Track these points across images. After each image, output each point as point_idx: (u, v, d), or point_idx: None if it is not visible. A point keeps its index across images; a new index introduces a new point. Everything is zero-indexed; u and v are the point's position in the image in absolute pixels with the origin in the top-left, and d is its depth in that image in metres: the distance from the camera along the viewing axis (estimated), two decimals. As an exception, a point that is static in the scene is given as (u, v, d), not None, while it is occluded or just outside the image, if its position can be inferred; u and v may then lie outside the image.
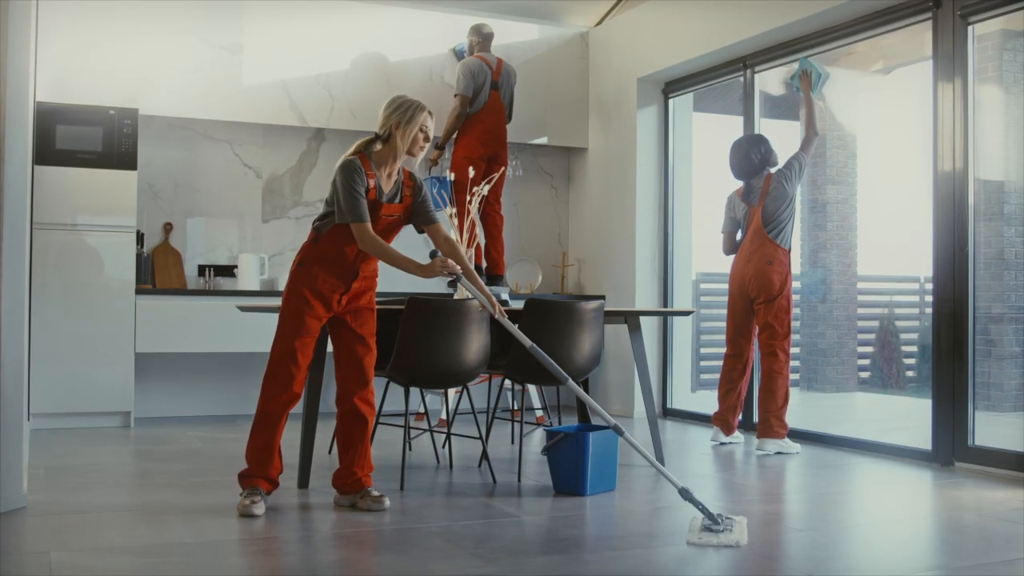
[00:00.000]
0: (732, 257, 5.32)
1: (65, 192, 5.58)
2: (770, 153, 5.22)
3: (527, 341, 3.69)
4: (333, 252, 3.53)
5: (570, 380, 3.73)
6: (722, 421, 5.26)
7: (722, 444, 5.27)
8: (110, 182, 5.67)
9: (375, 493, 3.59)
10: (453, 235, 4.23)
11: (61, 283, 5.58)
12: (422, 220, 3.67)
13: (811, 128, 5.24)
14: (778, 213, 5.10)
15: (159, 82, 6.03)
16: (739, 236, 5.32)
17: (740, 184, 5.30)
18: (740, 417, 5.39)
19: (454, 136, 6.16)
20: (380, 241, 3.48)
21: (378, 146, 3.56)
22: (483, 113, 6.10)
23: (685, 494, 3.33)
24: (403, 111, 3.53)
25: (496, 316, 3.68)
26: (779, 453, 4.98)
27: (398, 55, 6.59)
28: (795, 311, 5.45)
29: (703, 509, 3.25)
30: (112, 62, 5.92)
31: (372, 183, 3.49)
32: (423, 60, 6.60)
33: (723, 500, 3.93)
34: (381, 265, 3.66)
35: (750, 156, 5.20)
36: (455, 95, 6.14)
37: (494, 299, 3.69)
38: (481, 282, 3.67)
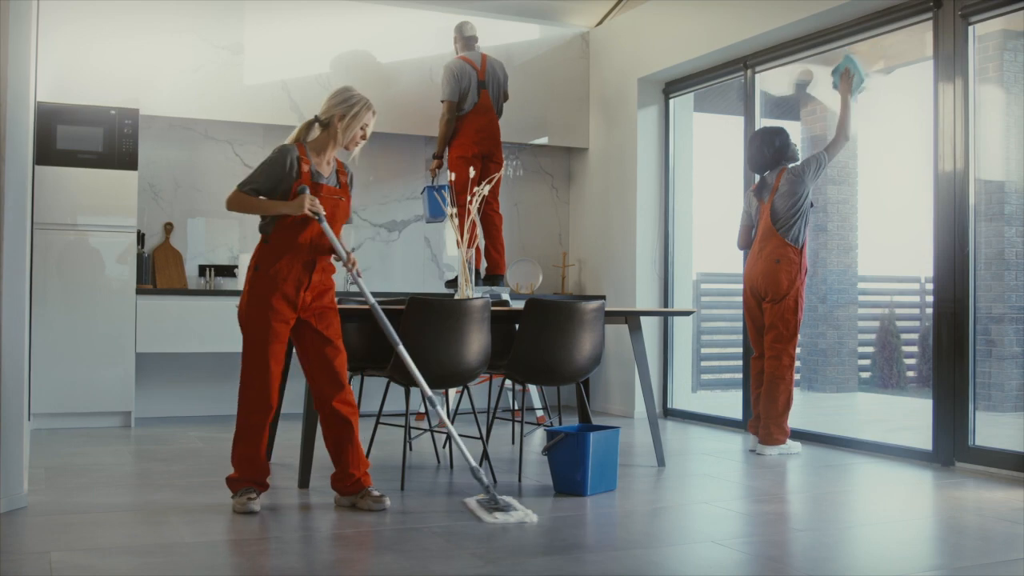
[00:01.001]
0: (746, 254, 5.23)
1: (66, 192, 5.59)
2: (786, 148, 5.10)
3: (371, 299, 3.61)
4: (287, 246, 3.51)
5: (400, 345, 3.66)
6: (755, 429, 5.10)
7: (759, 455, 5.02)
8: (111, 182, 5.67)
9: (375, 493, 3.59)
10: (454, 234, 4.22)
11: (62, 283, 5.58)
12: None
13: (843, 131, 5.06)
14: (787, 210, 4.98)
15: (160, 82, 6.03)
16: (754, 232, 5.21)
17: (757, 178, 5.21)
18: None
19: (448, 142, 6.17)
20: (245, 198, 3.50)
21: (316, 132, 3.59)
22: (473, 113, 6.09)
23: (475, 472, 3.55)
24: (348, 105, 3.56)
25: (351, 273, 3.59)
26: (780, 455, 4.96)
27: (398, 55, 6.59)
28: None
29: (486, 488, 3.51)
30: (113, 62, 5.92)
31: (307, 168, 3.53)
32: (423, 60, 6.60)
33: (724, 500, 3.93)
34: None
35: (763, 150, 5.11)
36: (441, 101, 6.15)
37: (352, 255, 3.59)
38: (333, 235, 3.54)
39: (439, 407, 3.72)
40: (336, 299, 3.69)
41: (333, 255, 3.60)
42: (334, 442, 3.63)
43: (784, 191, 5.00)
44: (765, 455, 4.95)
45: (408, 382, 4.04)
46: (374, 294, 3.99)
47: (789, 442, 5.00)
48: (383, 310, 3.72)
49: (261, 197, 3.52)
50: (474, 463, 3.59)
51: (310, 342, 3.58)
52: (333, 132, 3.56)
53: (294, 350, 3.72)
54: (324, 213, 3.48)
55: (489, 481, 3.57)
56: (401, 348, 3.68)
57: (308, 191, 3.48)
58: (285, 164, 3.50)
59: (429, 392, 3.70)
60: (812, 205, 5.07)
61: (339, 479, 3.64)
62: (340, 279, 6.65)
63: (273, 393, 3.54)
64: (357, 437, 3.65)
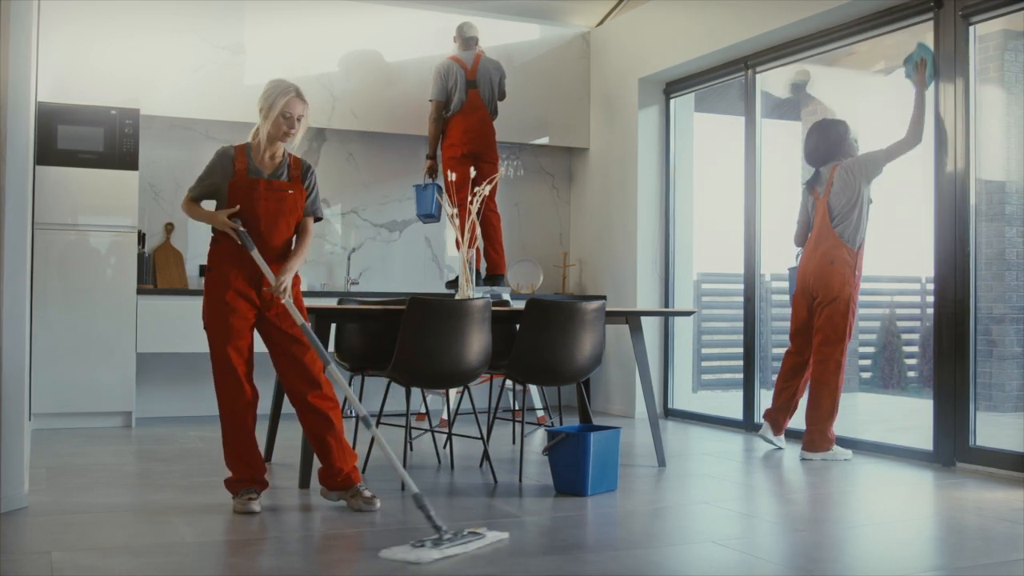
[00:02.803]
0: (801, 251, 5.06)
1: (66, 192, 5.59)
2: (841, 142, 4.91)
3: (300, 318, 3.48)
4: (235, 244, 3.50)
5: (332, 364, 3.49)
6: (772, 419, 5.08)
7: (768, 442, 5.08)
8: (111, 182, 5.68)
9: (367, 493, 3.55)
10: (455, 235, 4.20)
11: (62, 283, 5.58)
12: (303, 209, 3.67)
13: (916, 129, 4.72)
14: (843, 207, 4.79)
15: (160, 82, 6.03)
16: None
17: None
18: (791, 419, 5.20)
19: (440, 141, 6.18)
20: (189, 205, 3.59)
21: (259, 131, 3.61)
22: (461, 113, 6.10)
23: (418, 500, 3.15)
24: (267, 96, 3.58)
25: (277, 294, 3.46)
26: (824, 460, 4.81)
27: (399, 55, 6.59)
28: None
29: (429, 517, 3.08)
30: (113, 62, 5.93)
31: (243, 165, 3.54)
32: (424, 60, 6.59)
33: (724, 500, 3.93)
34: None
35: (819, 143, 4.93)
36: (429, 100, 6.17)
37: (278, 280, 3.47)
38: (262, 261, 3.48)
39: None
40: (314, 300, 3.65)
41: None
42: (316, 438, 3.59)
43: (838, 187, 4.83)
44: (810, 460, 4.81)
45: (410, 382, 4.04)
46: (375, 294, 3.99)
47: (836, 448, 4.85)
48: (383, 310, 3.71)
49: (203, 202, 3.60)
50: (416, 488, 3.23)
51: (277, 341, 3.57)
52: (260, 127, 3.58)
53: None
54: (246, 236, 3.45)
55: (437, 519, 3.13)
56: (306, 326, 3.51)
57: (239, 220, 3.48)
58: (218, 165, 3.56)
59: (341, 380, 3.49)
60: (871, 202, 4.87)
61: (327, 475, 3.60)
62: (341, 280, 6.65)
63: (244, 385, 3.51)
64: (340, 430, 3.60)
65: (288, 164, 3.64)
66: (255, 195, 3.52)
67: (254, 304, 3.54)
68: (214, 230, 3.57)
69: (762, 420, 5.20)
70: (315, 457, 4.01)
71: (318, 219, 3.75)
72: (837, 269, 4.80)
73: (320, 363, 3.56)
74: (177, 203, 6.35)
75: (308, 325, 3.53)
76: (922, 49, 4.75)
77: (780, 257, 5.77)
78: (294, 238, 3.65)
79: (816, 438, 4.84)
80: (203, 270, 6.25)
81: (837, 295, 4.79)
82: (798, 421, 5.05)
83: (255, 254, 3.47)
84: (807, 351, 4.98)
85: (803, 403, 5.03)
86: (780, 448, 5.14)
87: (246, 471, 3.56)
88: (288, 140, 3.59)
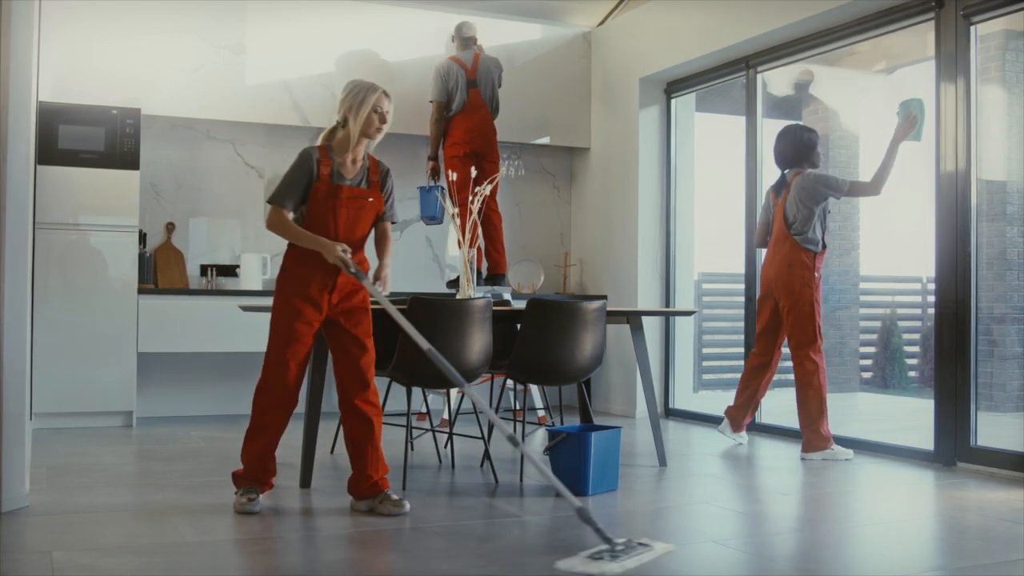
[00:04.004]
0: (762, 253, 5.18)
1: (67, 192, 5.59)
2: (811, 149, 4.95)
3: (424, 343, 3.43)
4: (311, 250, 3.48)
5: (466, 385, 3.42)
6: (732, 416, 5.22)
7: (728, 437, 5.24)
8: (112, 182, 5.68)
9: (394, 497, 3.52)
10: (457, 235, 4.22)
11: (63, 283, 5.58)
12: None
13: (879, 180, 4.80)
14: (798, 213, 4.87)
15: (161, 82, 6.03)
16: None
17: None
18: (752, 419, 5.33)
19: (442, 141, 6.18)
20: (283, 222, 3.48)
21: (339, 133, 3.57)
22: (463, 113, 6.10)
23: (583, 514, 2.98)
24: (355, 94, 3.53)
25: (397, 319, 3.48)
26: (824, 459, 4.82)
27: (400, 55, 6.59)
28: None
29: (598, 531, 2.94)
30: (114, 62, 5.93)
31: (327, 169, 3.50)
32: (424, 60, 6.59)
33: (725, 500, 3.93)
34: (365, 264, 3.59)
35: (788, 146, 4.97)
36: (430, 101, 6.18)
37: (383, 287, 3.51)
38: (371, 285, 3.48)
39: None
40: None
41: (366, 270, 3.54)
42: (353, 441, 3.58)
43: (793, 196, 4.91)
44: (810, 460, 4.82)
45: (411, 382, 4.05)
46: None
47: (836, 448, 4.86)
48: (383, 310, 3.70)
49: (291, 215, 3.51)
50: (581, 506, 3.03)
51: (338, 339, 3.57)
52: (350, 126, 3.53)
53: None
54: (354, 267, 3.43)
55: (604, 529, 2.97)
56: (433, 350, 3.47)
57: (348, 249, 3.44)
58: (303, 168, 3.49)
59: (467, 387, 3.44)
60: (829, 212, 4.95)
61: (356, 481, 3.57)
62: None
63: (291, 393, 3.52)
64: (378, 439, 3.59)
65: (368, 168, 3.61)
66: (336, 203, 3.49)
67: (322, 310, 3.52)
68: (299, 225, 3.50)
69: (723, 415, 5.32)
70: (309, 458, 4.03)
71: (393, 223, 3.72)
72: (796, 272, 4.89)
73: (373, 369, 3.58)
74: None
75: (434, 350, 3.42)
76: (919, 105, 4.72)
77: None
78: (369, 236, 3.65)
79: (811, 438, 4.87)
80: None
81: (799, 298, 4.88)
82: (796, 422, 5.05)
83: (367, 283, 3.46)
84: (770, 353, 5.10)
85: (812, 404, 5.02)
86: (741, 444, 5.27)
87: (258, 472, 3.56)
88: (378, 137, 3.58)
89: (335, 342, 3.60)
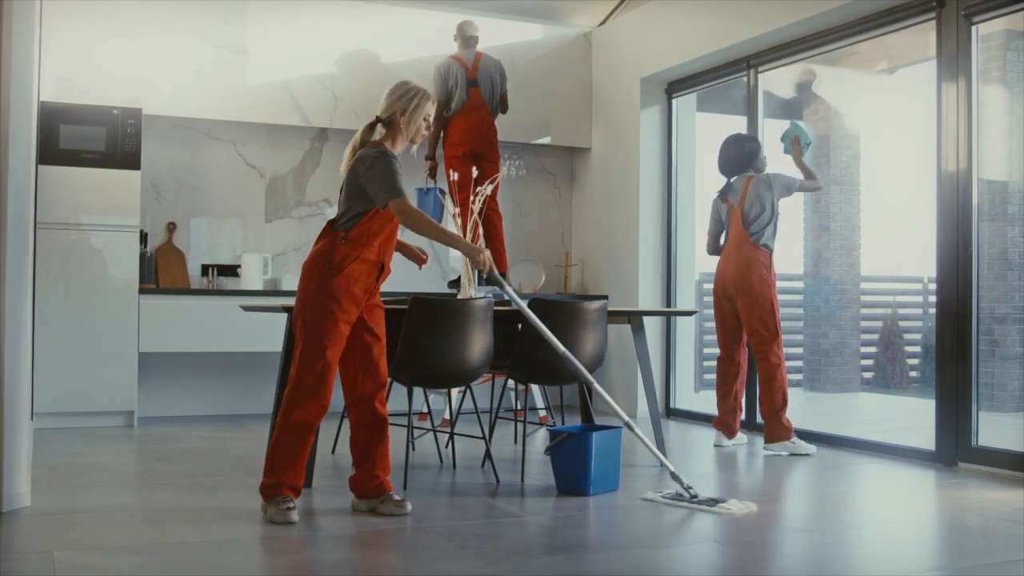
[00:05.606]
0: (717, 259, 5.28)
1: (69, 192, 5.59)
2: (755, 155, 5.18)
3: (560, 347, 3.78)
4: (363, 247, 3.39)
5: (594, 382, 3.85)
6: (723, 425, 5.22)
7: (725, 448, 5.24)
8: (113, 182, 5.68)
9: (396, 497, 3.49)
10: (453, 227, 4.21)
11: (65, 283, 5.58)
12: None
13: (812, 182, 5.24)
14: (759, 215, 5.06)
15: (162, 82, 6.04)
16: (723, 238, 5.25)
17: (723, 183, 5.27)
18: (743, 418, 5.38)
19: (441, 141, 6.17)
20: (424, 214, 3.41)
21: (380, 132, 3.50)
22: (462, 113, 6.08)
23: (674, 475, 3.76)
24: (409, 98, 3.46)
25: (531, 319, 3.72)
26: (792, 455, 4.92)
27: (400, 55, 6.59)
28: (797, 311, 5.38)
29: (684, 487, 3.68)
30: (115, 62, 5.93)
31: None
32: (425, 59, 6.58)
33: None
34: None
35: (732, 155, 5.18)
36: None
37: (526, 310, 3.70)
38: (503, 284, 3.66)
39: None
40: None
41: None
42: (365, 442, 3.50)
43: (752, 197, 5.08)
44: (774, 454, 4.95)
45: (411, 382, 4.04)
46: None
47: (798, 441, 4.96)
48: (392, 311, 3.71)
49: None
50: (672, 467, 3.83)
51: (355, 334, 3.45)
52: (397, 128, 3.47)
53: None
54: (495, 271, 3.56)
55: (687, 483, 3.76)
56: (567, 354, 3.81)
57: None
58: (398, 164, 3.41)
59: (594, 382, 3.88)
60: (779, 215, 5.13)
61: (362, 480, 3.51)
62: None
63: (328, 395, 3.38)
64: (388, 439, 3.54)
65: None
66: None
67: (359, 312, 3.44)
68: (347, 227, 3.37)
69: (713, 429, 5.31)
70: (310, 457, 4.02)
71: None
72: (755, 271, 5.03)
73: (386, 365, 3.53)
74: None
75: (568, 353, 3.76)
76: (794, 127, 5.23)
77: (780, 257, 5.76)
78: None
79: (773, 428, 4.98)
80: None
81: (759, 295, 5.01)
82: (797, 422, 5.05)
83: (508, 290, 3.58)
84: (737, 353, 5.19)
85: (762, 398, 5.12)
86: (741, 445, 5.29)
87: (290, 477, 3.37)
88: (418, 142, 3.56)
89: (352, 337, 3.45)
